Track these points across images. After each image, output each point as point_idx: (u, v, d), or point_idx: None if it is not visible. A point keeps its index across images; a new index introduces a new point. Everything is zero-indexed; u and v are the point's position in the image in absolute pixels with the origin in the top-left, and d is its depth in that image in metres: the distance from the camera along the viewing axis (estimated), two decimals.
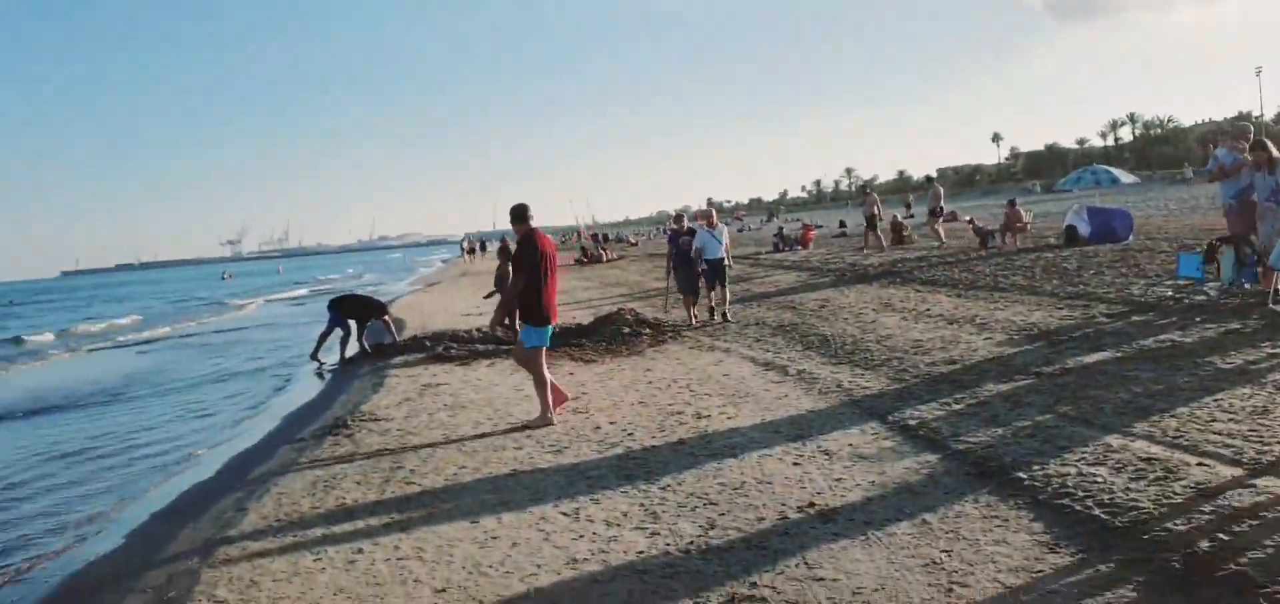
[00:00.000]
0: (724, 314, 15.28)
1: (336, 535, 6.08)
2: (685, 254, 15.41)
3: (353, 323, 16.14)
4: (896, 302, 15.26)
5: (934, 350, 10.43)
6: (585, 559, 5.17)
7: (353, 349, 15.81)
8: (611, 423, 8.57)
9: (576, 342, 14.46)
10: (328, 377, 14.83)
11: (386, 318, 16.38)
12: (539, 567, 5.14)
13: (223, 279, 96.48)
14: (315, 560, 5.65)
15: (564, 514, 5.99)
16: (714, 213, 16.08)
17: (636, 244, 64.45)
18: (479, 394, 10.60)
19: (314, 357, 16.17)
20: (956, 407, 7.74)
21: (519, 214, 8.87)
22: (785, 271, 24.35)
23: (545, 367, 8.89)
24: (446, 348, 14.52)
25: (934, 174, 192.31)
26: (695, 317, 15.32)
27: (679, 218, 15.98)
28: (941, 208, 29.13)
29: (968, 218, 27.56)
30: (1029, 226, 24.85)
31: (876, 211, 29.67)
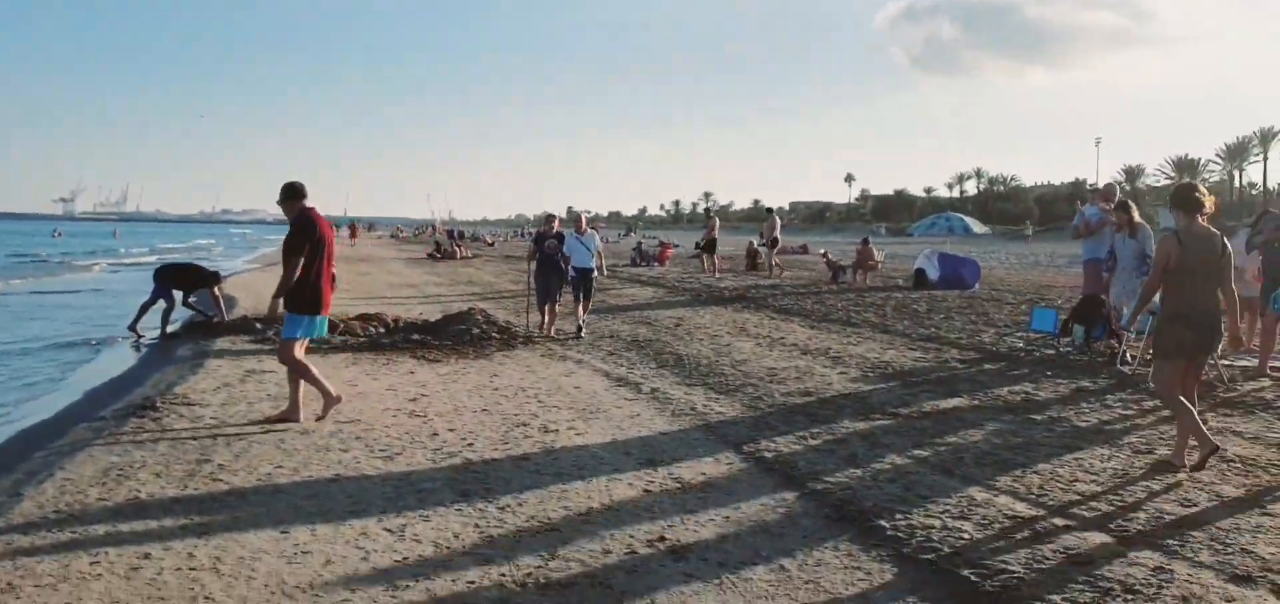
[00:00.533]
0: (579, 327, 14.41)
1: (123, 535, 5.25)
2: (550, 258, 14.45)
3: (178, 294, 14.87)
4: (751, 327, 15.14)
5: (789, 380, 10.24)
6: (406, 585, 4.56)
7: (175, 324, 14.56)
8: (451, 429, 7.94)
9: (421, 338, 13.70)
10: (144, 351, 13.56)
11: (216, 290, 15.16)
12: (352, 591, 4.50)
13: (54, 237, 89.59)
14: (92, 563, 4.83)
15: (388, 530, 5.35)
16: (584, 218, 15.45)
17: (493, 244, 63.36)
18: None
19: (132, 328, 14.78)
20: (813, 442, 7.48)
21: (292, 192, 8.13)
22: (641, 286, 24.10)
23: (308, 361, 8.29)
24: (276, 332, 13.47)
25: (784, 206, 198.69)
26: (550, 326, 14.47)
27: (549, 220, 14.97)
28: (777, 238, 29.74)
29: (821, 250, 28.07)
30: (880, 265, 25.42)
31: (715, 236, 30.81)
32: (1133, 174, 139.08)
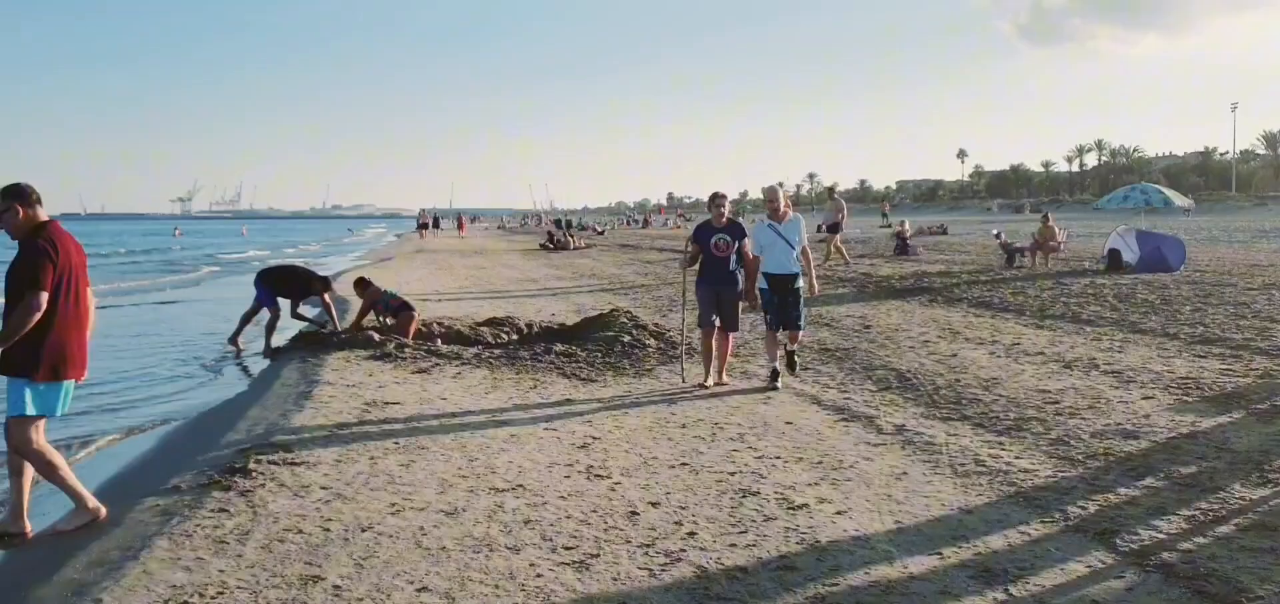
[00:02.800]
0: (775, 371, 9.14)
1: None
2: (721, 262, 9.09)
3: (285, 302, 12.96)
4: (960, 326, 12.44)
5: (1082, 410, 7.58)
6: None
7: (282, 336, 12.66)
8: (651, 502, 5.56)
9: (565, 346, 11.44)
10: (244, 371, 11.66)
11: (327, 296, 13.19)
12: None
13: (174, 235, 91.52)
14: None
15: None
16: (783, 195, 9.45)
17: (603, 233, 61.39)
18: (445, 426, 7.53)
19: (232, 341, 12.94)
20: (1219, 527, 4.86)
21: (16, 195, 5.21)
22: None
23: (49, 450, 5.36)
24: (398, 346, 11.38)
25: (891, 185, 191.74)
26: (720, 370, 9.26)
27: (716, 201, 9.33)
28: (839, 224, 25.22)
29: (996, 231, 24.96)
30: (1062, 245, 22.25)
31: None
32: (1272, 140, 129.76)
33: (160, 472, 6.46)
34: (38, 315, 5.00)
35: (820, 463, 6.36)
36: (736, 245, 9.07)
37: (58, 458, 5.45)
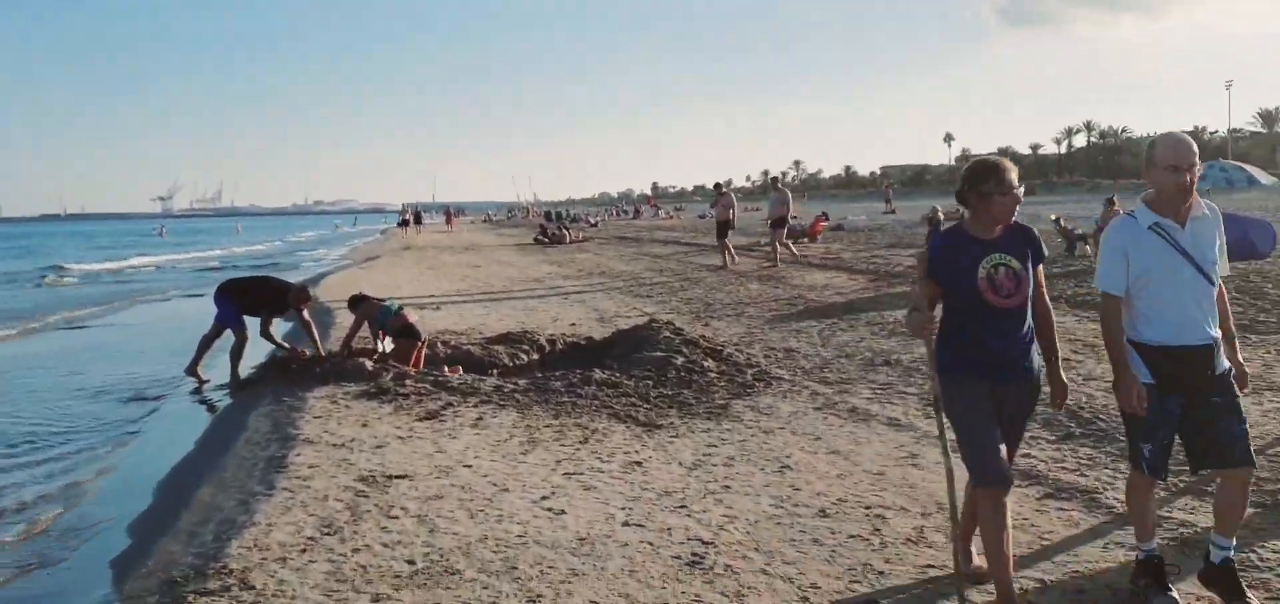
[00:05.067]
0: (1233, 582, 3.83)
1: None
2: (999, 315, 3.83)
3: (253, 319, 10.58)
4: (1079, 334, 10.21)
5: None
6: None
7: (250, 370, 10.31)
8: None
9: (604, 372, 9.12)
10: (204, 414, 9.32)
11: (306, 310, 10.80)
12: None
13: (158, 236, 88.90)
14: None
15: None
16: (1193, 158, 3.83)
17: (597, 225, 58.93)
18: (478, 517, 5.20)
19: (192, 371, 10.54)
20: None
21: None
22: (813, 270, 19.20)
23: None
24: (398, 377, 9.04)
25: (876, 170, 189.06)
26: (1001, 564, 3.82)
27: (985, 173, 3.84)
28: (785, 217, 22.13)
29: (1053, 216, 22.76)
30: None
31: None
32: (1269, 118, 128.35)
33: None
34: None
35: (1078, 590, 4.09)
36: (1030, 275, 3.90)
37: None
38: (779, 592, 4.15)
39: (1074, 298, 12.78)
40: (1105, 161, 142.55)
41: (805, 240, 29.13)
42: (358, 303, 10.52)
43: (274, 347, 10.42)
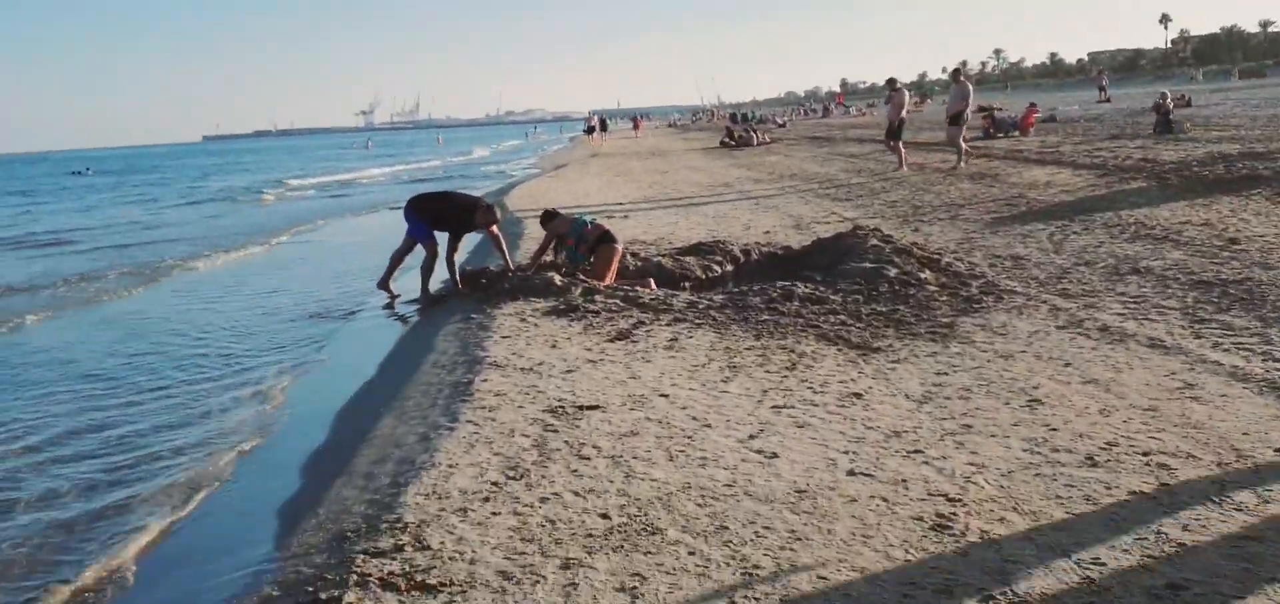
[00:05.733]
0: None
1: None
2: None
3: (442, 235, 10.32)
4: None
5: None
6: None
7: (441, 285, 10.09)
8: None
9: (807, 286, 8.31)
10: (391, 326, 9.18)
11: (495, 227, 10.43)
12: None
13: (366, 149, 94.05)
14: None
15: None
16: None
17: (785, 126, 57.17)
18: (672, 455, 4.59)
19: (384, 286, 10.44)
20: None
21: None
22: (1041, 166, 17.41)
23: None
24: (587, 292, 8.56)
25: (1084, 57, 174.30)
26: None
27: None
28: (966, 113, 19.90)
29: (1163, 92, 19.92)
30: None
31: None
32: None
33: (213, 572, 3.80)
34: None
35: None
36: None
37: None
38: (1057, 574, 3.32)
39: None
40: None
41: (1017, 134, 26.97)
42: (550, 219, 10.10)
43: (452, 274, 10.09)
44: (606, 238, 9.50)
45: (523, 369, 6.22)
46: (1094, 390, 5.26)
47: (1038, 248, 9.67)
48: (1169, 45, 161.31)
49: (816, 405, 5.23)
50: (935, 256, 9.29)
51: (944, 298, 7.74)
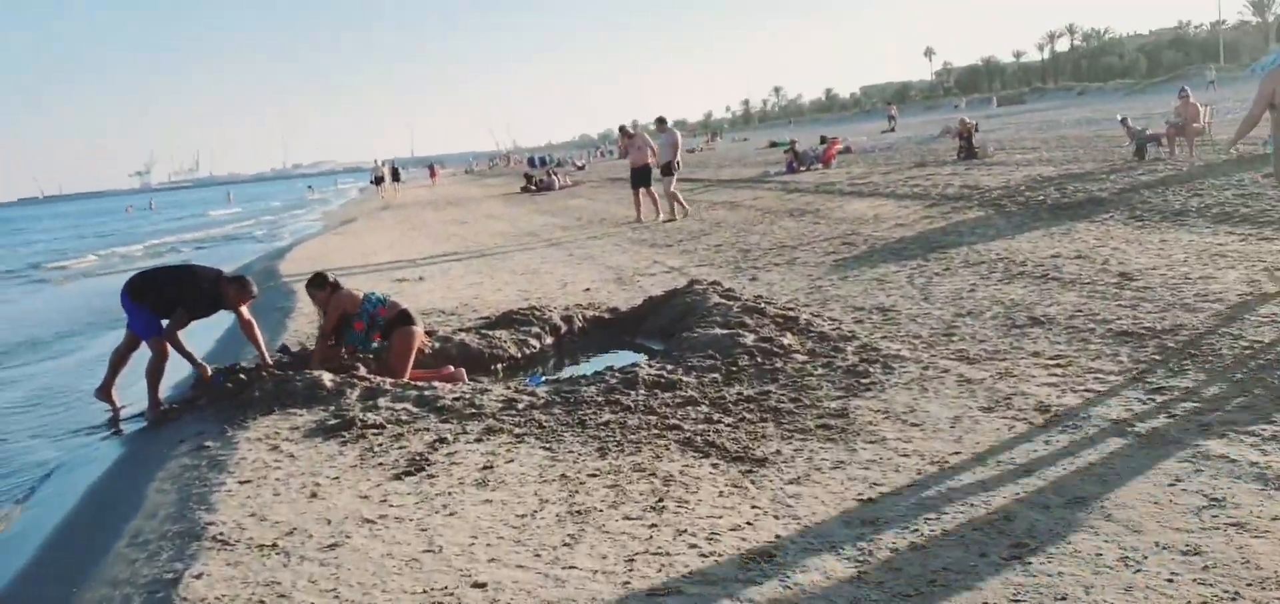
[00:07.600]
0: None
1: None
2: None
3: (171, 320, 7.89)
4: (1222, 251, 7.73)
5: None
6: None
7: (169, 396, 7.73)
8: None
9: (658, 367, 6.61)
10: (107, 460, 6.79)
11: (245, 307, 8.08)
12: None
13: (149, 209, 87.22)
14: None
15: None
16: None
17: (583, 168, 56.00)
18: None
19: (104, 395, 7.93)
20: None
21: None
22: (859, 198, 16.59)
23: None
24: (366, 394, 6.51)
25: (856, 92, 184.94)
26: None
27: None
28: (675, 163, 18.34)
29: (1120, 115, 20.24)
30: (1208, 129, 17.50)
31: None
32: (1260, 5, 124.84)
33: None
34: None
35: None
36: None
37: None
38: None
39: (1183, 208, 10.32)
40: (1090, 65, 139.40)
41: (820, 167, 26.62)
42: (322, 286, 7.88)
43: (190, 364, 7.77)
44: (403, 319, 7.48)
45: (261, 546, 4.14)
46: (1092, 521, 3.73)
47: (902, 295, 8.40)
48: (934, 76, 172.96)
49: (715, 583, 3.48)
50: (790, 314, 7.81)
51: (819, 370, 6.23)
